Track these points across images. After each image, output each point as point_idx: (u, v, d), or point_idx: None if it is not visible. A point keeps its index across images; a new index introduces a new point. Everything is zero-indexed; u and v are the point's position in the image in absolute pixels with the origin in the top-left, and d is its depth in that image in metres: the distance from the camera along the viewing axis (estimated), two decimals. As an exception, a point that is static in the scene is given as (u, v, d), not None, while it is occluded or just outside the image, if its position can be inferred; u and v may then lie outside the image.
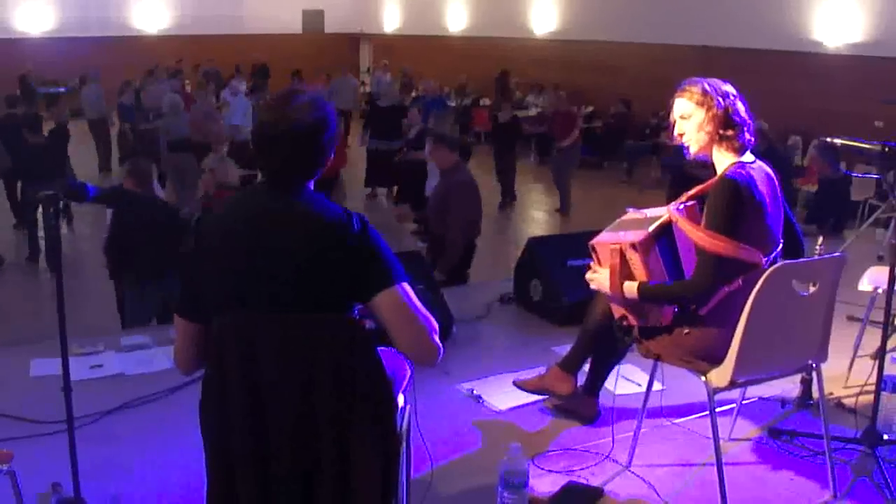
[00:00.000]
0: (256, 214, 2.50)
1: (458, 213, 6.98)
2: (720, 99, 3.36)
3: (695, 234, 3.32)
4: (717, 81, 3.42)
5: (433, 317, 2.55)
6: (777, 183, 3.52)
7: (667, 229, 3.48)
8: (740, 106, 3.39)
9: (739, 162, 3.38)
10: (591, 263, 3.70)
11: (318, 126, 2.49)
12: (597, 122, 19.02)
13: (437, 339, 2.53)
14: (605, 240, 3.59)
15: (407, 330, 2.49)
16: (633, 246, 3.42)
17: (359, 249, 2.45)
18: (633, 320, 3.64)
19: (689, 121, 3.45)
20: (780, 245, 3.49)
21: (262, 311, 2.46)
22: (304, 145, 2.49)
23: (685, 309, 3.46)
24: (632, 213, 3.75)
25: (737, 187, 3.28)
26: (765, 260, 3.35)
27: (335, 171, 11.49)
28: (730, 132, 3.36)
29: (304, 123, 2.47)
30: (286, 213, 2.47)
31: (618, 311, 3.69)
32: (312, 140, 2.49)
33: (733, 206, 3.27)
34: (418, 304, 2.51)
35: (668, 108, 3.53)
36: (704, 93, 3.38)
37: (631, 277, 3.49)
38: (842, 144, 4.00)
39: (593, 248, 3.68)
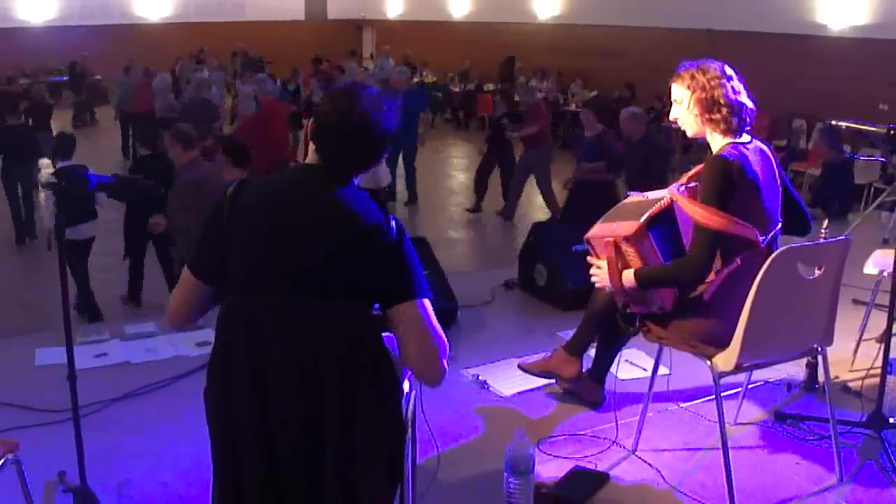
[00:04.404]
0: (298, 195, 2.48)
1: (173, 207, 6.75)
2: (706, 82, 3.37)
3: (692, 210, 3.32)
4: (710, 65, 3.42)
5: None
6: (775, 163, 3.52)
7: (666, 214, 3.47)
8: (733, 89, 3.39)
9: (733, 143, 3.39)
10: (590, 258, 3.70)
11: (380, 122, 2.49)
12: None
13: (444, 362, 2.51)
14: (600, 233, 3.60)
15: (418, 346, 2.47)
16: (627, 239, 3.43)
17: (389, 256, 2.44)
18: (636, 308, 3.64)
19: (681, 105, 3.49)
20: (779, 224, 3.49)
21: (275, 292, 2.44)
22: (364, 138, 2.49)
23: (686, 293, 3.46)
24: (633, 196, 3.74)
25: (727, 165, 3.29)
26: (762, 238, 3.35)
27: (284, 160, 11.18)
28: (716, 115, 3.38)
29: (369, 117, 2.47)
30: (327, 201, 2.45)
31: (621, 299, 3.69)
32: (374, 135, 2.49)
33: (723, 183, 3.29)
34: (435, 323, 2.50)
35: (668, 92, 3.56)
36: (693, 77, 3.42)
37: (628, 267, 3.49)
38: (846, 127, 3.98)
39: (589, 242, 3.69)
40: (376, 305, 2.51)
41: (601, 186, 9.12)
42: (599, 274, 3.62)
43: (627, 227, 3.44)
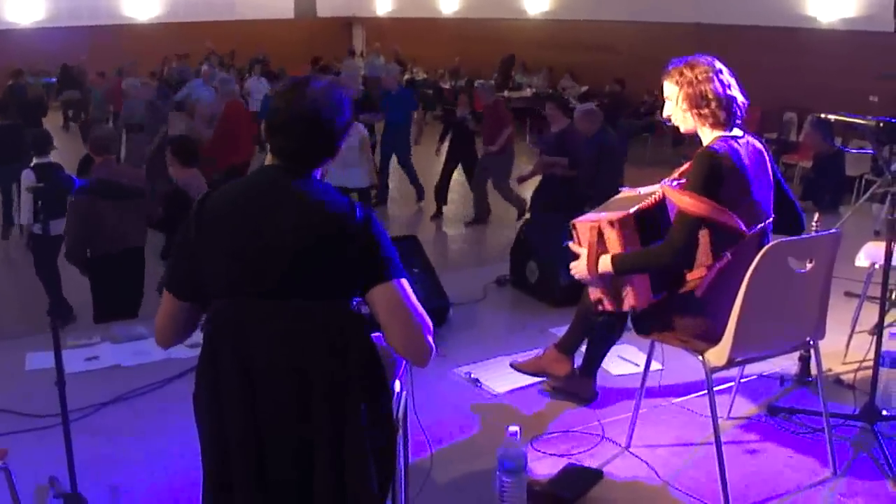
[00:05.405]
0: (260, 197, 2.48)
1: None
2: (694, 77, 3.39)
3: (678, 199, 3.33)
4: (699, 60, 3.43)
5: (420, 303, 2.53)
6: (769, 160, 3.52)
7: (659, 210, 3.46)
8: (722, 83, 3.39)
9: (724, 136, 3.40)
10: (571, 245, 3.69)
11: (330, 112, 2.49)
12: (591, 101, 18.96)
13: (430, 339, 2.51)
14: (586, 219, 3.60)
15: (400, 327, 2.47)
16: (611, 223, 3.43)
17: (359, 241, 2.44)
18: (608, 305, 3.64)
19: (671, 101, 3.50)
20: (770, 219, 3.48)
21: (259, 296, 2.44)
22: (316, 130, 2.49)
23: (671, 287, 3.46)
24: (625, 192, 3.74)
25: (714, 157, 3.30)
26: (748, 229, 3.35)
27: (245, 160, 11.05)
28: (705, 110, 3.39)
29: (318, 108, 2.47)
30: (290, 198, 2.45)
31: (594, 294, 3.69)
32: (325, 125, 2.49)
33: (709, 174, 3.29)
34: (415, 301, 2.49)
35: (660, 88, 3.56)
36: (681, 73, 3.43)
37: (607, 253, 3.50)
38: (836, 120, 3.98)
39: (574, 227, 3.69)
40: (357, 300, 2.50)
41: (567, 182, 8.98)
42: (578, 264, 3.62)
43: (615, 213, 3.45)
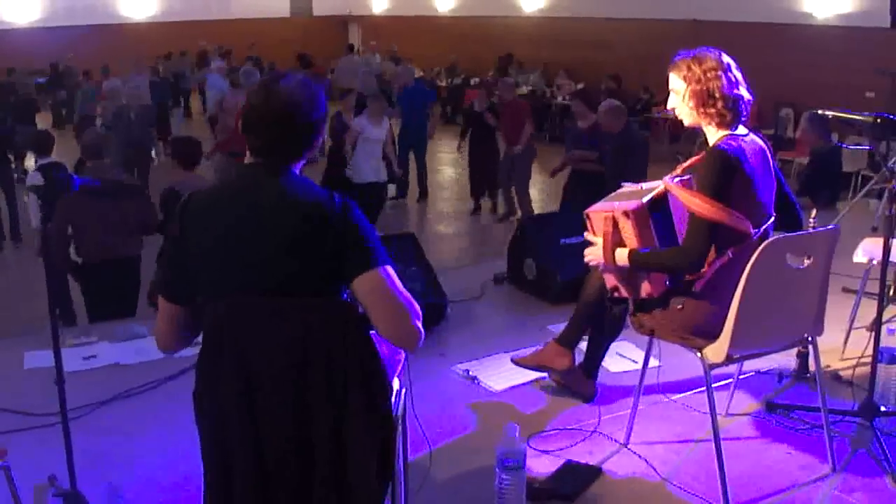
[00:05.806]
0: (241, 195, 2.50)
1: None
2: (702, 74, 3.35)
3: (688, 200, 3.31)
4: (707, 54, 3.39)
5: (419, 301, 2.54)
6: (771, 157, 3.52)
7: (663, 202, 3.47)
8: (730, 80, 3.36)
9: (731, 135, 3.38)
10: (586, 235, 3.69)
11: (304, 107, 2.50)
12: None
13: (418, 323, 2.51)
14: (600, 209, 3.60)
15: (387, 313, 2.47)
16: (626, 214, 3.43)
17: (340, 231, 2.44)
18: (624, 292, 3.64)
19: (677, 95, 3.47)
20: (772, 218, 3.48)
21: (249, 293, 2.45)
22: (290, 127, 2.50)
23: (678, 282, 3.46)
24: (628, 187, 3.74)
25: (724, 158, 3.28)
26: (754, 231, 3.34)
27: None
28: (711, 109, 3.37)
29: (290, 104, 2.48)
30: (270, 193, 2.47)
31: (610, 281, 3.70)
32: (298, 121, 2.50)
33: (720, 175, 3.27)
34: (401, 287, 2.50)
35: (660, 82, 3.55)
36: (689, 68, 3.40)
37: (623, 246, 3.50)
38: (833, 116, 3.97)
39: (588, 217, 3.68)
40: (347, 294, 2.51)
41: (599, 178, 8.92)
42: (594, 251, 3.62)
43: (628, 204, 3.44)
